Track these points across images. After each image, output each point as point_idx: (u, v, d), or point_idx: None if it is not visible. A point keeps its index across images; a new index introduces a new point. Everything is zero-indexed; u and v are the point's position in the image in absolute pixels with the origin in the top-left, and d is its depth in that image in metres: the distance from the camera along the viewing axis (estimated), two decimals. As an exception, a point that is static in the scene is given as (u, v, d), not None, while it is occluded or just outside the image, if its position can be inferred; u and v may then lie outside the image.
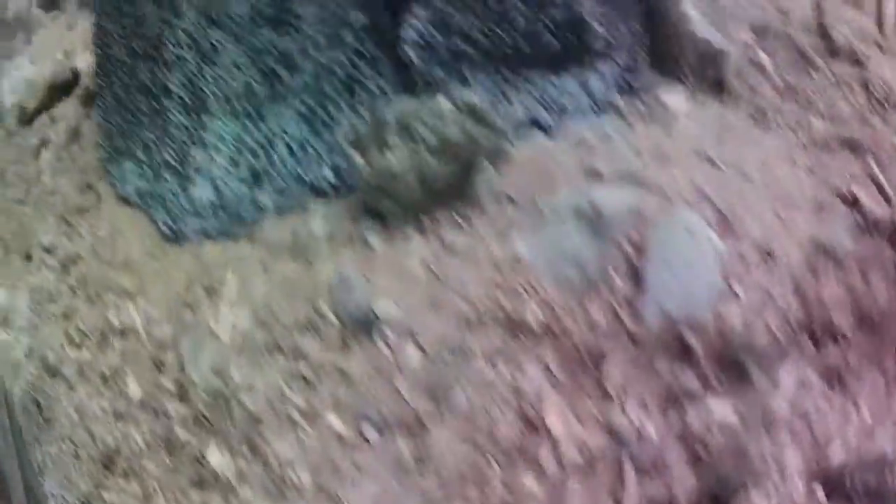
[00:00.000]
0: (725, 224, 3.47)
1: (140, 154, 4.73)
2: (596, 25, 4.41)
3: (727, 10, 4.94)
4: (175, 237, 4.31)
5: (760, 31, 4.94)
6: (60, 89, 6.12)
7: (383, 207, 3.90)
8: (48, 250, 4.74)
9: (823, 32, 4.80)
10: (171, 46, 4.52)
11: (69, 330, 4.09)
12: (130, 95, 4.84)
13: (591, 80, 4.48)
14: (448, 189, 3.86)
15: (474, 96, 3.91)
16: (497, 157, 3.92)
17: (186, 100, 4.48)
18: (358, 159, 3.91)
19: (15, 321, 4.35)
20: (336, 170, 4.14)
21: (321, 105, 4.26)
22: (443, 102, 3.82)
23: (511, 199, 3.75)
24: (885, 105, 4.40)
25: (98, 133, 5.13)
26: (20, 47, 8.79)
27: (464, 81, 4.25)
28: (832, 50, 4.72)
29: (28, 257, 4.87)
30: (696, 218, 3.36)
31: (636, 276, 3.22)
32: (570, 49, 4.48)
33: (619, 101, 4.44)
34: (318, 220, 4.04)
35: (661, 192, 3.60)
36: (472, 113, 3.87)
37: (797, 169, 4.00)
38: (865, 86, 4.54)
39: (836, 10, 4.90)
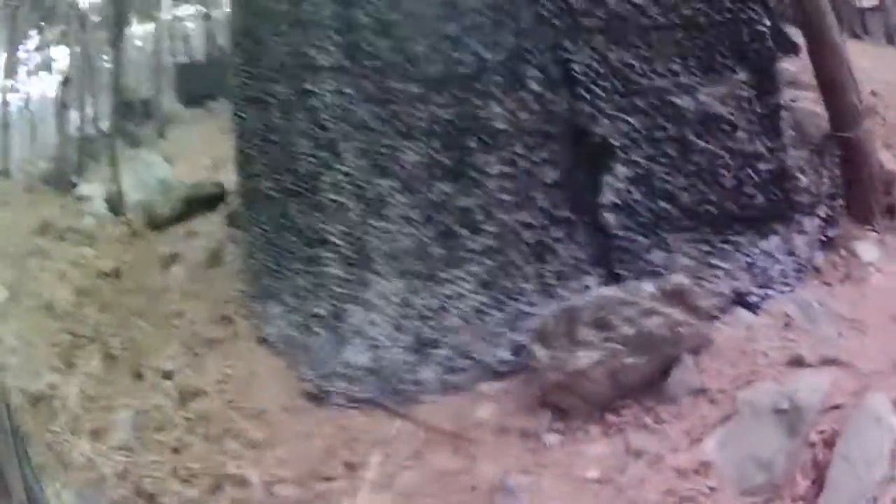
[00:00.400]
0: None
1: (289, 299, 4.39)
2: (802, 177, 4.00)
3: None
4: (319, 398, 3.90)
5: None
6: (203, 203, 6.04)
7: (565, 404, 3.42)
8: (167, 376, 4.41)
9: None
10: (329, 191, 4.22)
11: (177, 464, 3.76)
12: (281, 235, 4.49)
13: (795, 240, 4.02)
14: (641, 385, 3.37)
15: (681, 277, 3.41)
16: (699, 346, 3.41)
17: (347, 252, 4.12)
18: (542, 354, 3.41)
19: (110, 438, 4.01)
20: (515, 350, 3.65)
21: (505, 272, 3.79)
22: (646, 289, 3.33)
23: (707, 395, 3.30)
24: None
25: (243, 266, 4.84)
26: (149, 137, 8.78)
27: (665, 248, 3.75)
28: None
29: (138, 376, 4.55)
30: (883, 401, 3.05)
31: (820, 477, 2.88)
32: (774, 205, 4.02)
33: (819, 259, 4.08)
34: (488, 407, 3.56)
35: (857, 371, 3.26)
36: (678, 298, 3.36)
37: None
38: None
39: None
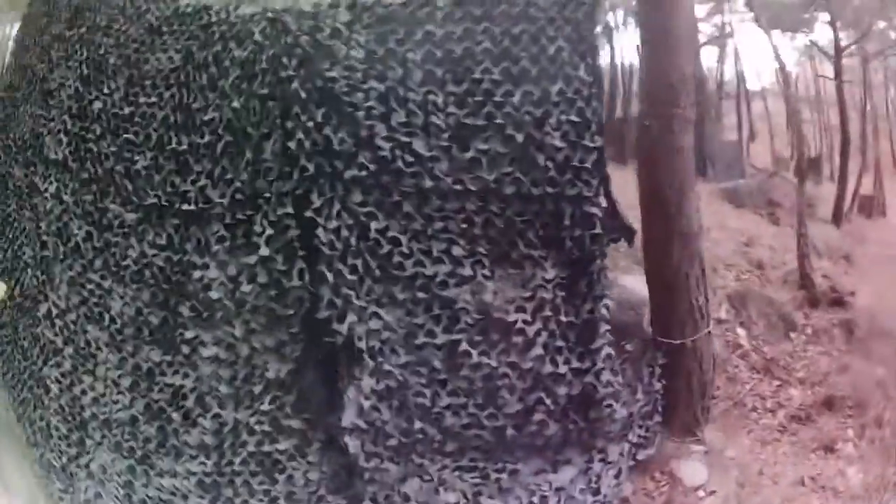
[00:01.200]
0: None
1: (26, 444, 3.48)
2: (613, 403, 3.01)
3: (708, 280, 4.27)
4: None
5: (739, 301, 4.62)
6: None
7: None
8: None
9: (805, 281, 4.75)
10: (46, 326, 3.29)
11: None
12: (17, 358, 3.55)
13: (599, 473, 3.10)
14: None
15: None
16: None
17: (66, 409, 3.24)
18: None
19: None
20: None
21: (227, 480, 2.85)
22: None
23: None
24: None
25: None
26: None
27: (424, 478, 2.80)
28: (812, 299, 4.67)
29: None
30: None
31: None
32: (573, 433, 3.05)
33: (629, 490, 3.27)
34: None
35: None
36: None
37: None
38: (847, 327, 4.49)
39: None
